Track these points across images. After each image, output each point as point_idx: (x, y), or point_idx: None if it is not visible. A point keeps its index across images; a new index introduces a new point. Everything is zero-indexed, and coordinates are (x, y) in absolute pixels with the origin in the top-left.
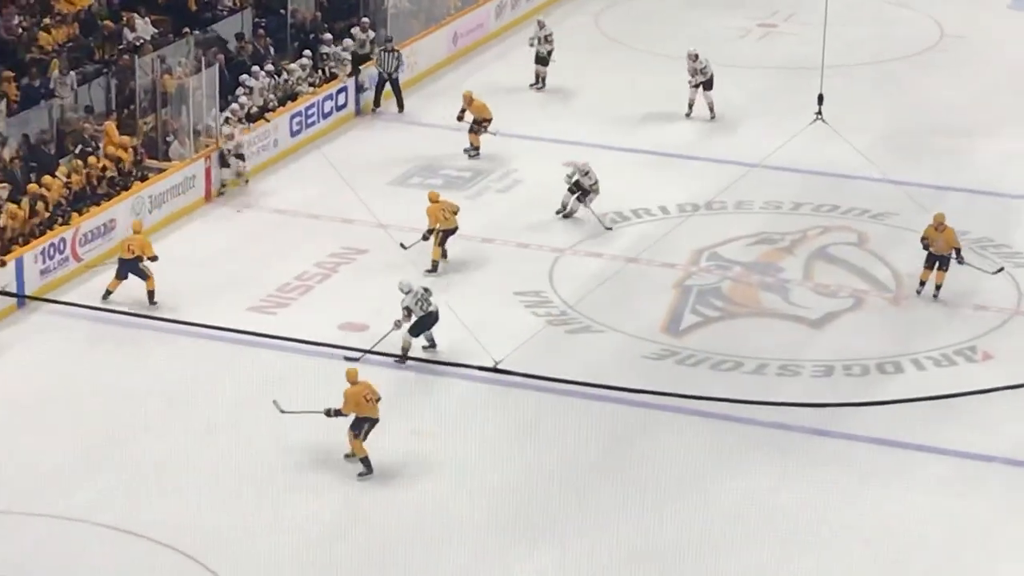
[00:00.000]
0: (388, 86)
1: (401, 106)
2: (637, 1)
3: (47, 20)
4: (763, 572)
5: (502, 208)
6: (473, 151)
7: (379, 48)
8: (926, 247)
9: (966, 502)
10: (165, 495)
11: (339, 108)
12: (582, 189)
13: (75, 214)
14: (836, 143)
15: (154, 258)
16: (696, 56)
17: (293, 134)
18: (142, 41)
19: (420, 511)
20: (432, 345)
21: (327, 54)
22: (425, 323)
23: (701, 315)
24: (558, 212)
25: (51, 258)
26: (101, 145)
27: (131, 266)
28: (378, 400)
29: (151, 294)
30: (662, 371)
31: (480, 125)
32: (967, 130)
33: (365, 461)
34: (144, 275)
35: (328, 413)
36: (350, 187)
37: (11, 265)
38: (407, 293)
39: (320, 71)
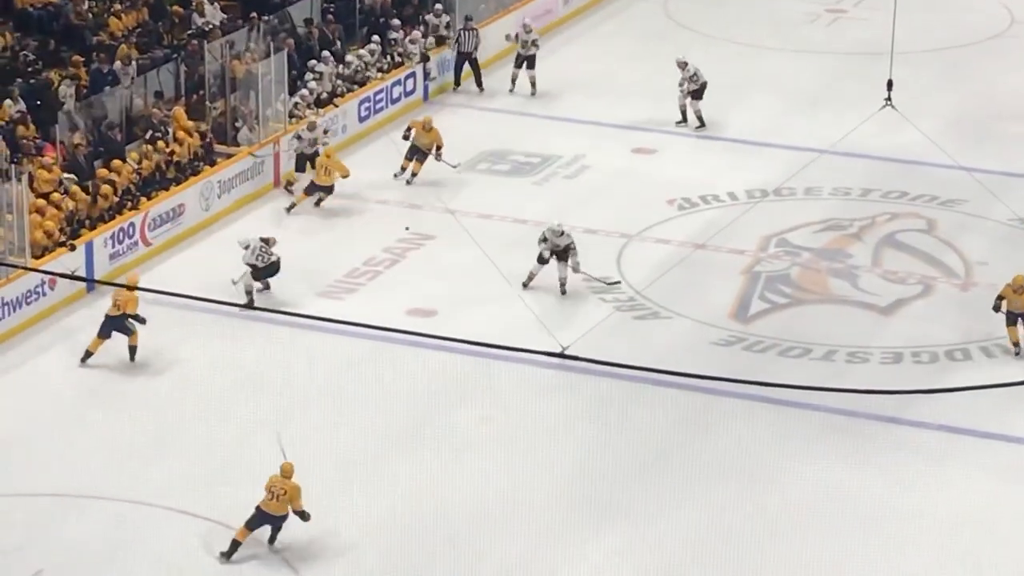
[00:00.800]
0: (468, 66)
1: (480, 85)
2: None
3: (117, 5)
4: (832, 560)
5: (570, 194)
6: (411, 177)
7: (459, 27)
8: (997, 308)
9: None
10: (232, 482)
11: (407, 94)
12: (558, 252)
13: (144, 199)
14: (905, 129)
15: (139, 319)
16: (685, 64)
17: (361, 120)
18: (211, 26)
19: (488, 494)
20: (266, 288)
21: (396, 40)
22: (268, 271)
23: (769, 301)
24: (524, 284)
25: (120, 243)
26: (170, 130)
27: (116, 323)
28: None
29: (132, 350)
30: (730, 357)
31: (436, 152)
32: None
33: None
34: (129, 331)
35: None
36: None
37: (81, 249)
38: (246, 249)
39: (388, 56)
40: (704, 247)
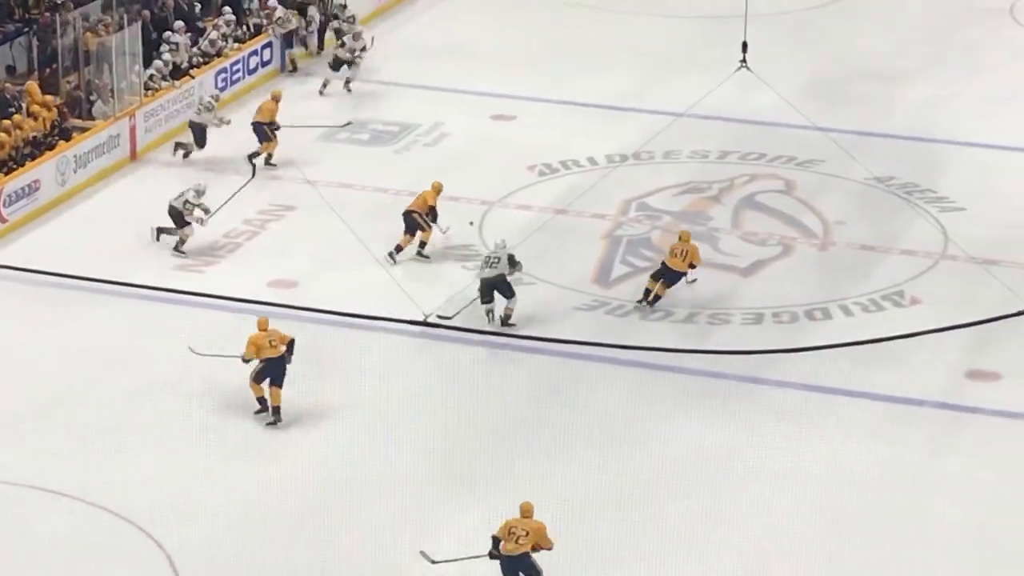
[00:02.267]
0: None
1: (321, 47)
2: None
3: None
4: (702, 517)
5: (431, 162)
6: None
7: None
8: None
9: (897, 445)
10: (104, 457)
11: (264, 64)
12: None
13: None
14: (761, 91)
15: None
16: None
17: (219, 91)
18: None
19: (357, 464)
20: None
21: (251, 9)
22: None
23: (631, 265)
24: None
25: None
26: (24, 105)
27: None
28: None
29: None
30: (593, 322)
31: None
32: (888, 77)
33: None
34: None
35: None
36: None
37: None
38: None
39: (244, 27)
40: (565, 212)
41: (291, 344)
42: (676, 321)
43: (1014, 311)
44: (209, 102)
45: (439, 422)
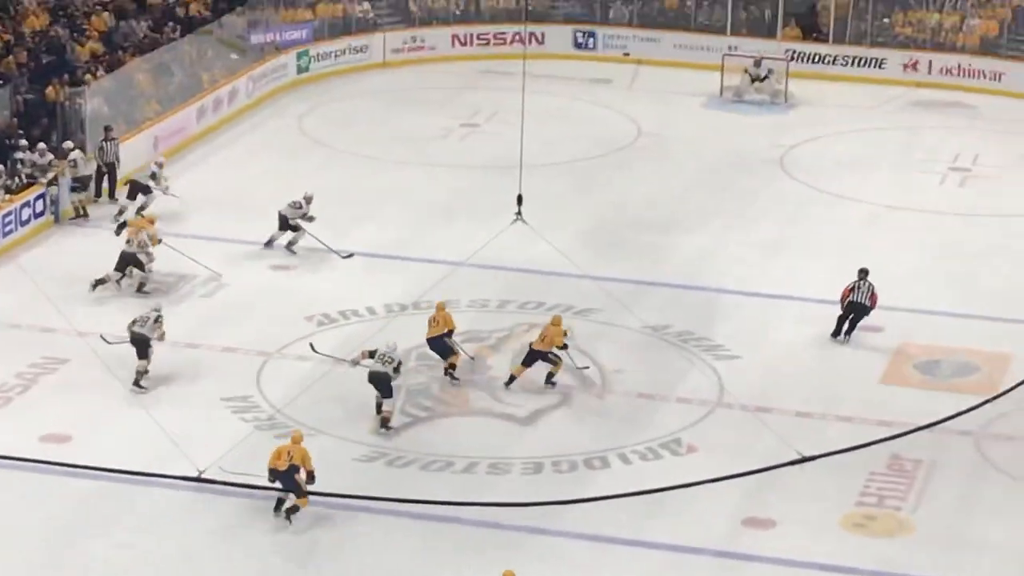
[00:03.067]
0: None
1: (114, 196)
2: (339, 103)
3: None
4: None
5: (208, 313)
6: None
7: (100, 139)
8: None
9: None
10: None
11: (37, 215)
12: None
13: None
14: (539, 241)
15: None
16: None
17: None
18: None
19: None
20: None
21: (23, 160)
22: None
23: (410, 415)
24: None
25: None
26: None
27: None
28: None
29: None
30: (372, 473)
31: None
32: (665, 226)
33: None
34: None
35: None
36: (46, 296)
37: None
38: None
39: (16, 178)
40: (344, 362)
41: (310, 474)
42: (456, 472)
43: (787, 460)
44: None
45: None
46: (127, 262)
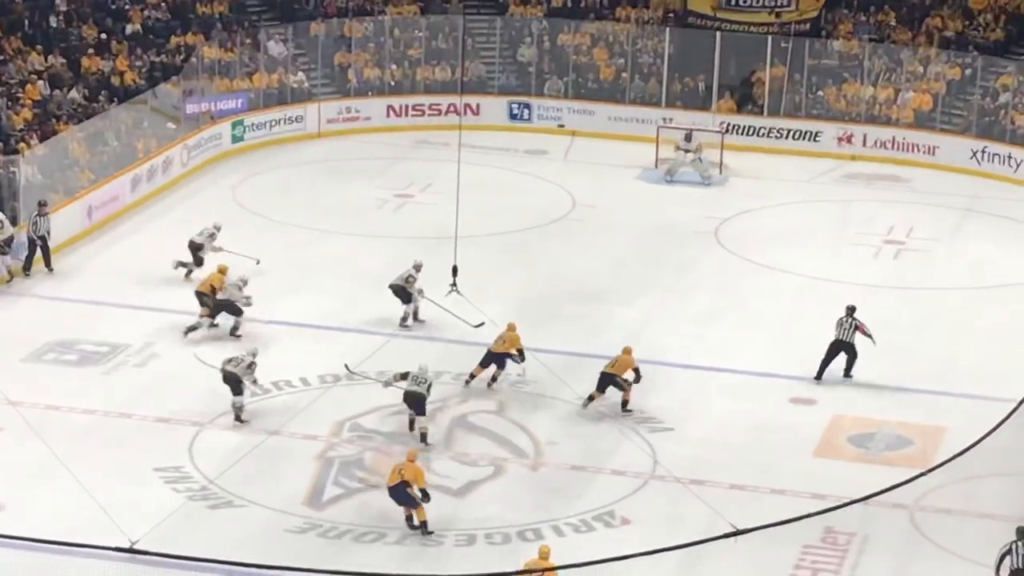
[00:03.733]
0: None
1: (49, 265)
2: (274, 173)
3: None
4: None
5: (141, 383)
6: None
7: (34, 213)
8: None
9: None
10: None
11: None
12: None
13: None
14: (475, 311)
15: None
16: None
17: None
18: None
19: None
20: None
21: None
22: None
23: (344, 487)
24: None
25: None
26: None
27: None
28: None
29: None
30: (304, 545)
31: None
32: (601, 297)
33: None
34: None
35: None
36: None
37: None
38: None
39: None
40: (278, 433)
41: (423, 491)
42: (389, 543)
43: (721, 533)
44: (212, 232)
45: None
46: (222, 308)
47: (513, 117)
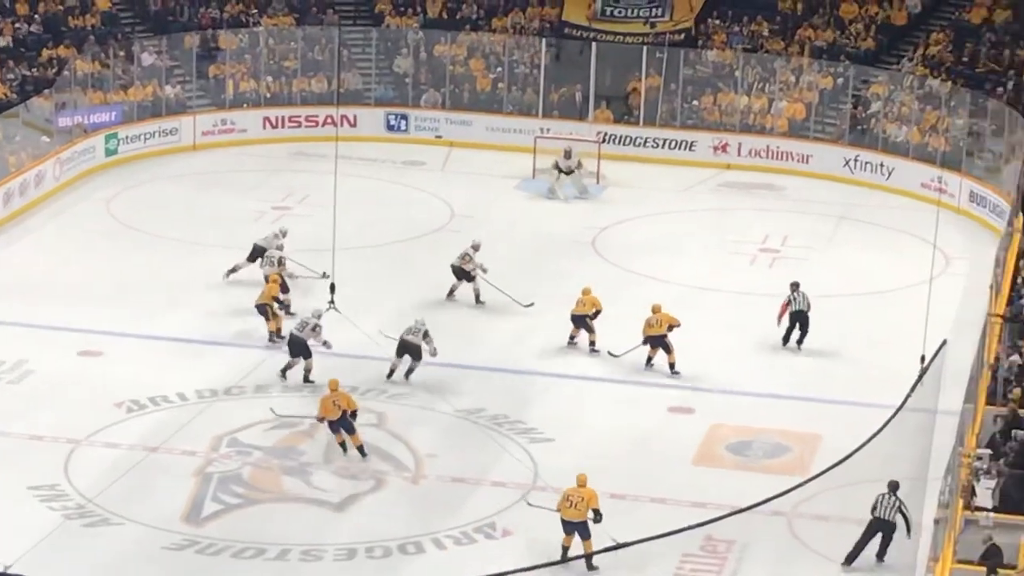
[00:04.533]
0: None
1: None
2: (149, 186)
3: None
4: None
5: (15, 401)
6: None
7: None
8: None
9: None
10: None
11: None
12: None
13: None
14: (351, 325)
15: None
16: None
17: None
18: None
19: None
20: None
21: None
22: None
23: (222, 502)
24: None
25: None
26: None
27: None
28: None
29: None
30: (182, 562)
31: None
32: (479, 308)
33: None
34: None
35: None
36: None
37: None
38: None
39: None
40: (155, 450)
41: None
42: (268, 559)
43: (602, 546)
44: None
45: None
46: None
47: (390, 128)
